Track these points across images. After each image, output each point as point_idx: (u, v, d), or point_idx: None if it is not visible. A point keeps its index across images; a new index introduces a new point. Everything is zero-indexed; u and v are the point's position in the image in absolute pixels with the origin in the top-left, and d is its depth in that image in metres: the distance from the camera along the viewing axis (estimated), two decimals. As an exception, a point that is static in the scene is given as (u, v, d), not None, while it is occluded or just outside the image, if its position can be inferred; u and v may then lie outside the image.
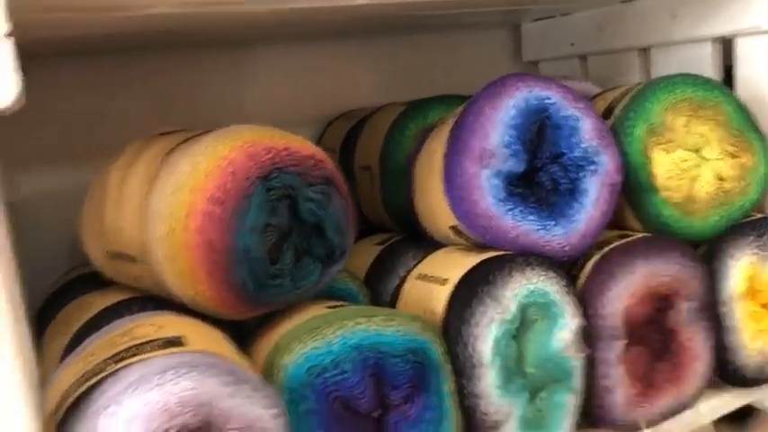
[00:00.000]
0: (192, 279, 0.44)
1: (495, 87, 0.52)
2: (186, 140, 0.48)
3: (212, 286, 0.44)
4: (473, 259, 0.50)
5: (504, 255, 0.50)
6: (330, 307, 0.49)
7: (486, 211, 0.50)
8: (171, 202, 0.44)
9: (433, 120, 0.65)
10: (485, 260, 0.50)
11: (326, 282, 0.49)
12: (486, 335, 0.47)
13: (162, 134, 0.52)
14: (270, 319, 0.48)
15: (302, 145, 0.48)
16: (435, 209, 0.55)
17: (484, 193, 0.50)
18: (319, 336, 0.43)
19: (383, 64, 0.87)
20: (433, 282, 0.52)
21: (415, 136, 0.64)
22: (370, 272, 0.62)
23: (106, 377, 0.37)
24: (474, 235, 0.52)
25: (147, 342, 0.40)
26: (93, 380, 0.36)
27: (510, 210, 0.51)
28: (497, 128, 0.51)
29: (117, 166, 0.50)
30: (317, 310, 0.48)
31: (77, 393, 0.36)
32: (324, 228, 0.48)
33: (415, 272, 0.55)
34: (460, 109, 0.54)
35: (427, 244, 0.59)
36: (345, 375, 0.42)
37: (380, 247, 0.64)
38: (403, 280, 0.55)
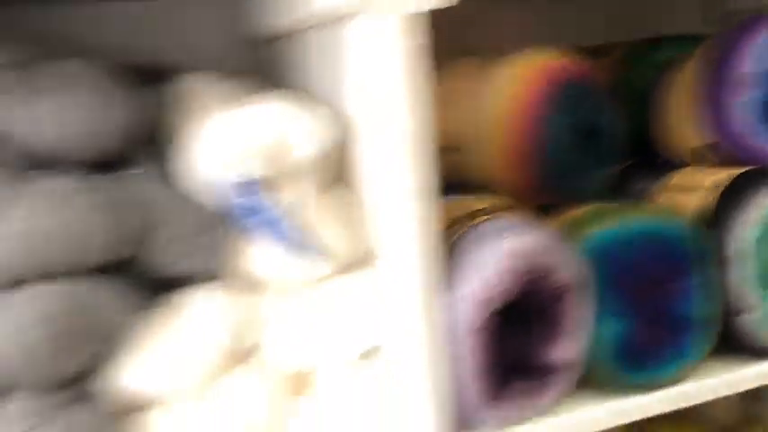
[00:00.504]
0: (510, 168, 0.54)
1: (749, 22, 0.59)
2: (491, 60, 0.58)
3: (525, 174, 0.54)
4: (730, 172, 0.58)
5: (761, 168, 0.58)
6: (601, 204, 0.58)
7: (745, 131, 0.58)
8: (493, 104, 0.54)
9: (669, 54, 0.71)
10: (745, 172, 0.57)
11: (603, 184, 0.59)
12: (748, 233, 0.55)
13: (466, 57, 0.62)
14: (554, 207, 0.58)
15: (587, 63, 0.57)
16: (684, 132, 0.63)
17: (744, 115, 0.58)
18: (610, 218, 0.52)
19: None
20: (691, 191, 0.60)
21: (653, 68, 0.72)
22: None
23: (476, 225, 0.48)
24: (734, 152, 0.59)
25: (484, 208, 0.51)
26: (472, 222, 0.48)
27: (767, 130, 0.58)
28: (752, 57, 0.58)
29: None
30: (594, 205, 0.57)
31: (462, 229, 0.48)
32: (609, 135, 0.57)
33: (668, 184, 0.63)
34: (714, 41, 0.61)
35: (664, 165, 0.67)
36: (633, 251, 0.51)
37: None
38: (653, 192, 0.63)
